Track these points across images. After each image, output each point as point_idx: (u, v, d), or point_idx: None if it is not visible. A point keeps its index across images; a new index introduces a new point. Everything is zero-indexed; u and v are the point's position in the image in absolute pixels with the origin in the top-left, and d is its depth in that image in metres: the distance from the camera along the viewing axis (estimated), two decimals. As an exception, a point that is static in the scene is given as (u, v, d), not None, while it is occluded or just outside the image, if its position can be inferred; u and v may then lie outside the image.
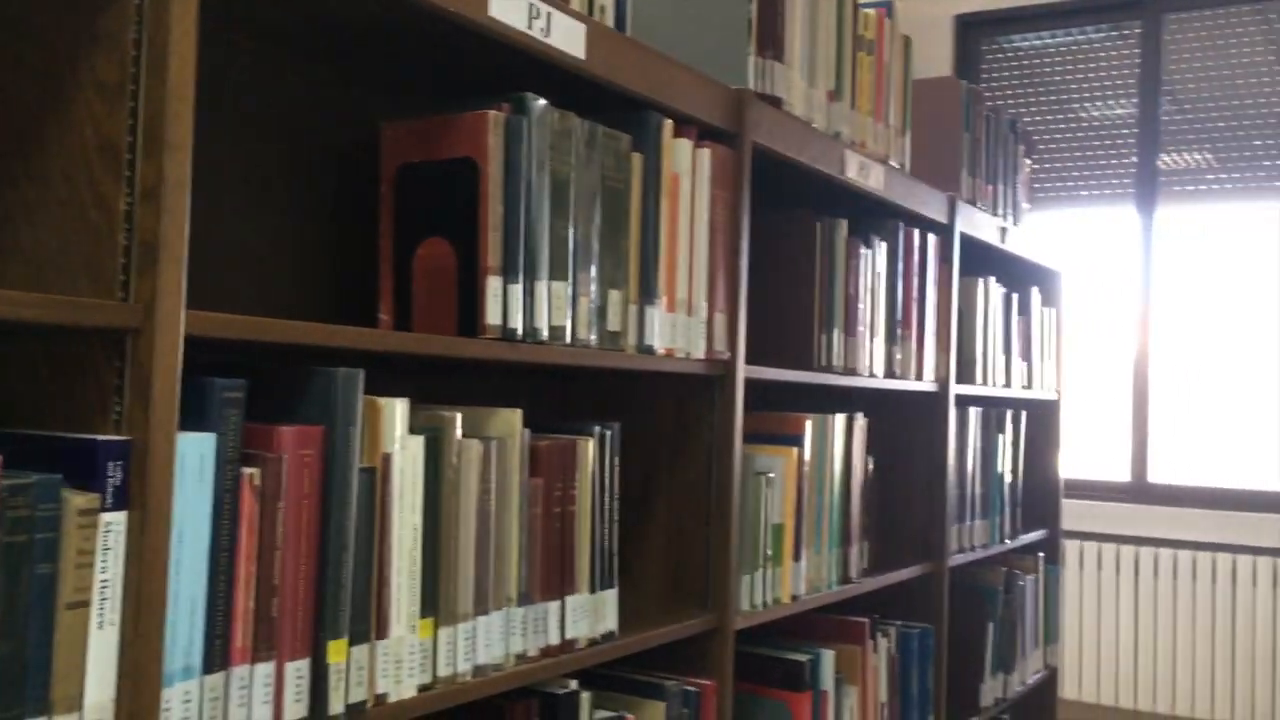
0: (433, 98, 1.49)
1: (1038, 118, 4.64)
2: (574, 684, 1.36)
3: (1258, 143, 4.23)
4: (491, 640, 1.22)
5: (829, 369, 1.93)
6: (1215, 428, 4.34)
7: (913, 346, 2.22)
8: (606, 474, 1.41)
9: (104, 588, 0.86)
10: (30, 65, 0.96)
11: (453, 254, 1.25)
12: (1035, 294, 2.94)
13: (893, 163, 2.17)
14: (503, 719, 1.31)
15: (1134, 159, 4.45)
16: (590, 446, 1.37)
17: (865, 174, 2.00)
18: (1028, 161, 2.96)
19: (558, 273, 1.31)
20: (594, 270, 1.37)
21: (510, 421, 1.26)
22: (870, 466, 2.10)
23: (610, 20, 1.55)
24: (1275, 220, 4.26)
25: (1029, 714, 3.07)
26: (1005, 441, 2.71)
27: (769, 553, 1.74)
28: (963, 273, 2.51)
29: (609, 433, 1.41)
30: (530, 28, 1.25)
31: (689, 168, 1.55)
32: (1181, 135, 4.37)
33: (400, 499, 1.11)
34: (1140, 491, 4.33)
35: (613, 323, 1.41)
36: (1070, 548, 4.28)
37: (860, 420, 2.03)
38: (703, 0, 1.77)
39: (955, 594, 2.51)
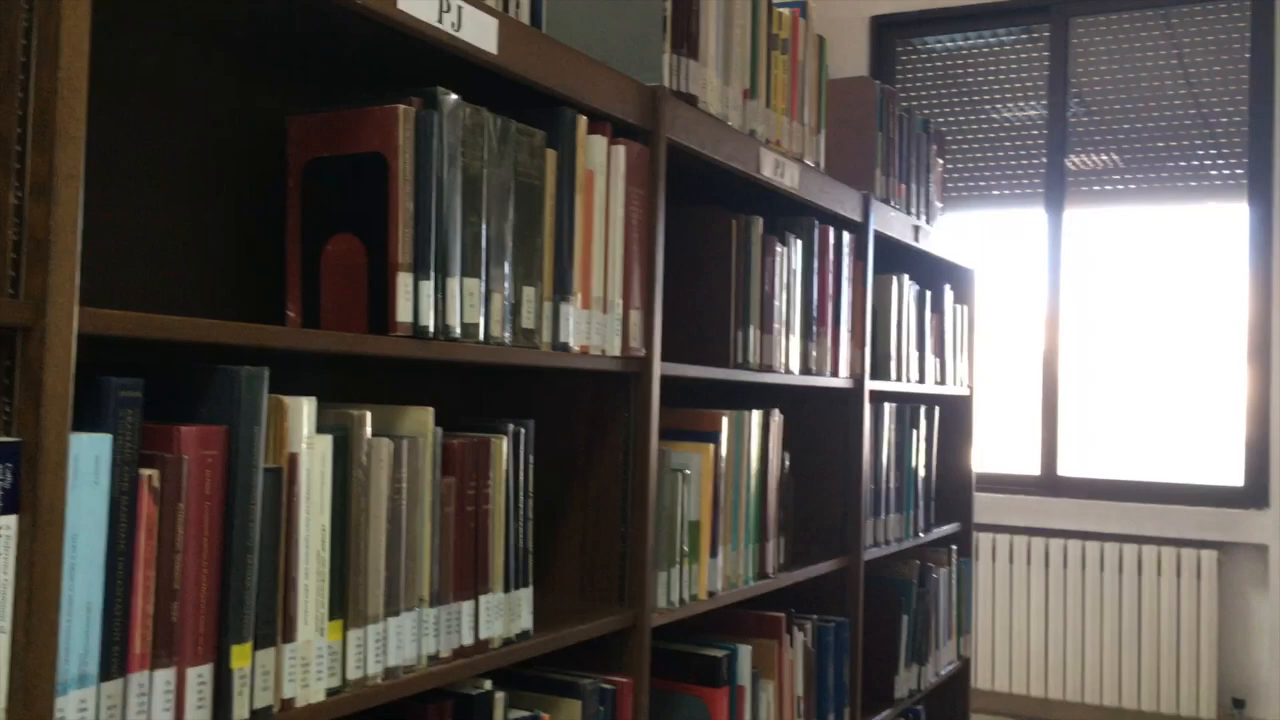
0: (344, 92, 1.47)
1: (951, 118, 4.72)
2: (488, 684, 1.35)
3: (1160, 145, 4.35)
4: (403, 641, 1.21)
5: (745, 366, 1.95)
6: (1122, 422, 4.46)
7: (828, 343, 2.24)
8: (521, 472, 1.40)
9: (-7, 594, 0.83)
10: (-87, 52, 0.93)
11: (362, 250, 1.23)
12: (948, 291, 3.00)
13: (808, 161, 2.19)
14: (415, 721, 1.29)
15: (1043, 160, 4.55)
16: (504, 445, 1.36)
17: (780, 172, 2.02)
18: (940, 161, 3.01)
19: (470, 269, 1.30)
20: (508, 267, 1.36)
21: (422, 420, 1.24)
22: (786, 462, 2.11)
23: (526, 17, 1.54)
24: (1178, 222, 4.39)
25: (942, 704, 3.12)
26: (919, 437, 2.75)
27: (685, 549, 1.75)
28: (877, 270, 2.54)
29: (523, 431, 1.41)
30: (441, 22, 1.23)
31: (604, 164, 1.54)
32: (1089, 137, 4.48)
33: (307, 499, 1.09)
34: (1050, 484, 4.43)
35: (527, 320, 1.40)
36: (983, 540, 4.37)
37: (776, 416, 2.05)
38: (618, -3, 1.77)
39: (870, 588, 2.55)
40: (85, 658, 0.90)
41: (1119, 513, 4.21)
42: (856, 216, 2.37)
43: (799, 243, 2.12)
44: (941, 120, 4.72)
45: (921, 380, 2.81)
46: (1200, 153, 4.30)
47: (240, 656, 1.01)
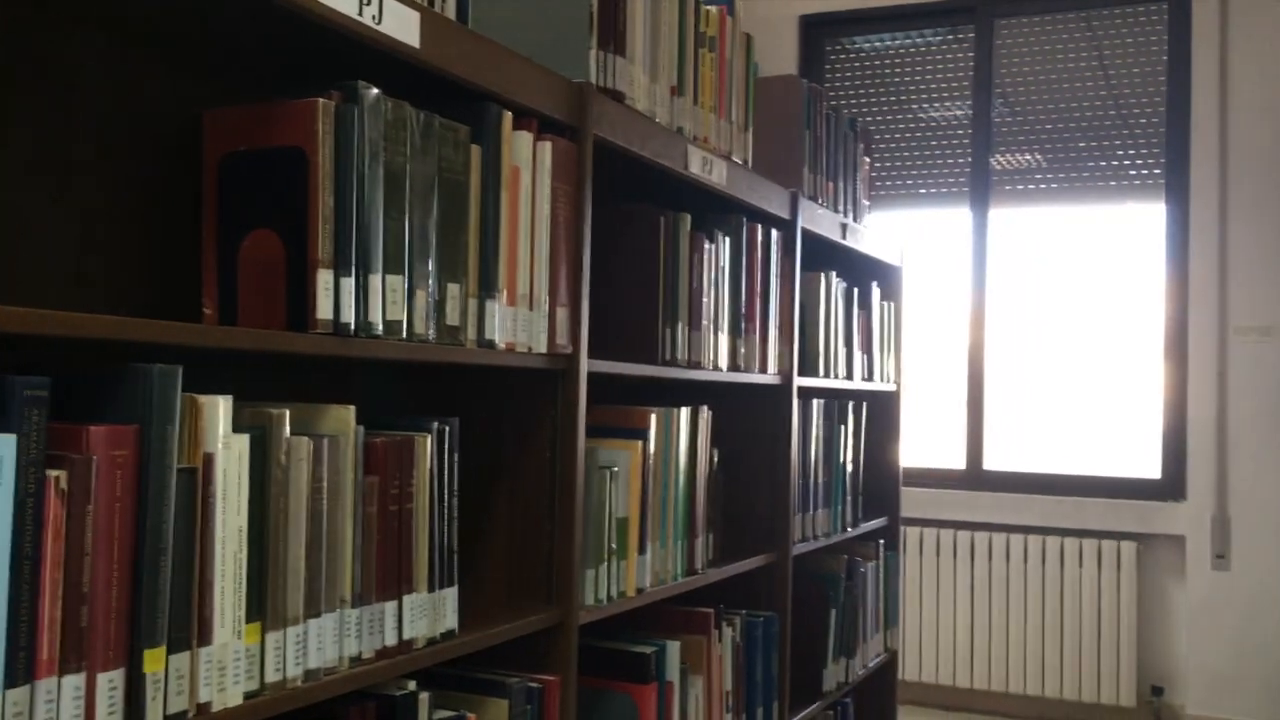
0: (265, 85, 1.44)
1: (878, 118, 4.77)
2: (412, 685, 1.34)
3: (1082, 145, 4.44)
4: (324, 643, 1.19)
5: (673, 363, 1.95)
6: (1045, 417, 4.55)
7: (756, 340, 2.26)
8: (445, 471, 1.39)
9: (-111, 601, 0.80)
10: None
11: (281, 246, 1.21)
12: (875, 289, 3.03)
13: (736, 158, 2.20)
14: (338, 723, 1.27)
15: (969, 159, 4.62)
16: (428, 443, 1.35)
17: (708, 169, 2.02)
18: (867, 160, 3.04)
19: (393, 266, 1.28)
20: (431, 263, 1.35)
21: (343, 418, 1.23)
22: (715, 459, 2.12)
23: (452, 12, 1.52)
24: (1099, 220, 4.49)
25: (870, 696, 3.16)
26: (847, 432, 2.78)
27: (614, 546, 1.75)
28: (805, 267, 2.56)
29: (448, 429, 1.39)
30: (361, 14, 1.22)
31: (529, 160, 1.53)
32: (1013, 137, 4.56)
33: (223, 500, 1.06)
34: (975, 479, 4.51)
35: (451, 317, 1.39)
36: (909, 534, 4.43)
37: (705, 413, 2.05)
38: (544, -8, 1.76)
39: (799, 582, 2.57)
40: (-11, 665, 0.87)
41: (1042, 506, 4.30)
42: (785, 214, 2.38)
43: (727, 240, 2.13)
44: (869, 119, 4.77)
45: (849, 377, 2.84)
46: (1120, 153, 4.39)
47: (153, 661, 0.99)
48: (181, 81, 1.36)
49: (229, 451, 1.07)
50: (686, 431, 1.98)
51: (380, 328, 1.26)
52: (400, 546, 1.31)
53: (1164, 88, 4.31)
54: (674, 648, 1.92)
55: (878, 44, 4.79)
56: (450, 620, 1.40)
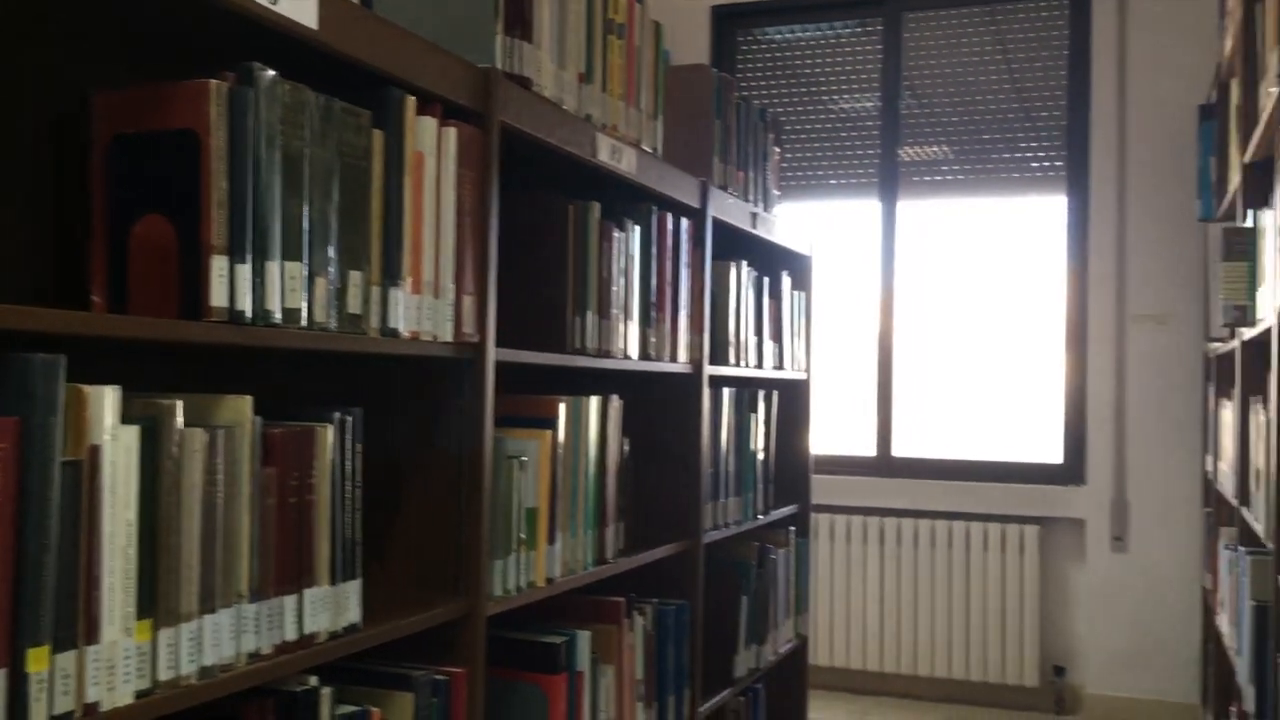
0: (160, 68, 1.40)
1: (789, 108, 4.81)
2: (314, 680, 1.31)
3: (986, 137, 4.53)
4: (220, 639, 1.16)
5: (583, 351, 1.94)
6: (951, 404, 4.63)
7: (667, 328, 2.26)
8: (348, 461, 1.36)
9: None
10: None
11: (173, 232, 1.17)
12: (786, 278, 3.05)
13: (645, 147, 2.19)
14: (237, 721, 1.25)
15: (877, 150, 4.68)
16: (329, 434, 1.32)
17: (617, 157, 2.01)
18: (778, 150, 3.06)
19: (291, 252, 1.25)
20: (332, 250, 1.32)
21: (239, 409, 1.19)
22: (626, 448, 2.12)
23: (353, -8, 1.49)
24: (1003, 212, 4.58)
25: (781, 682, 3.19)
26: (758, 421, 2.80)
27: (523, 536, 1.73)
28: (715, 256, 2.57)
29: (350, 419, 1.37)
30: (256, -6, 1.18)
31: (434, 146, 1.51)
32: (920, 129, 4.63)
33: (111, 493, 1.03)
34: (884, 465, 4.58)
35: (353, 305, 1.36)
36: (820, 521, 4.48)
37: (615, 402, 2.05)
38: (450, -24, 1.73)
39: (710, 570, 2.58)
40: None
41: (948, 491, 4.38)
42: (695, 203, 2.39)
43: (637, 228, 2.13)
44: (780, 110, 4.81)
45: (760, 365, 2.86)
46: (1023, 145, 4.49)
47: (37, 660, 0.96)
48: (70, 62, 1.31)
49: (117, 443, 1.04)
50: (596, 421, 1.98)
51: (279, 316, 1.23)
52: (300, 539, 1.28)
53: (1065, 82, 4.41)
54: (584, 637, 1.91)
55: (788, 35, 4.83)
56: (353, 614, 1.37)
